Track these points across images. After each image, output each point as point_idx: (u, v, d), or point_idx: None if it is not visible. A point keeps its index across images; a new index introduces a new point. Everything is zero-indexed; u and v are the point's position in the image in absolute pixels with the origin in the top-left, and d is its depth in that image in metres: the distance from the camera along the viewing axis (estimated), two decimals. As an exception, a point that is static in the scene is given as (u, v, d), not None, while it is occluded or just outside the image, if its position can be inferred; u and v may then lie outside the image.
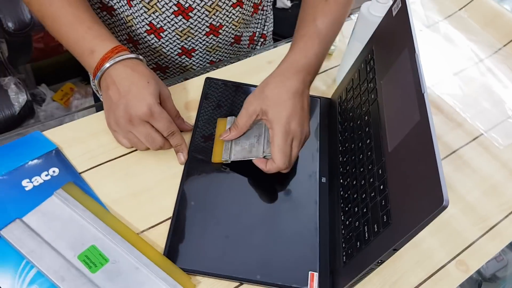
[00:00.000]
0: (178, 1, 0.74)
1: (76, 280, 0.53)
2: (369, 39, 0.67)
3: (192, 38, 0.80)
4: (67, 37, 0.66)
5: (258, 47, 0.94)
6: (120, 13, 0.78)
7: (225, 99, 0.75)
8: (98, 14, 0.81)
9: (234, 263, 0.58)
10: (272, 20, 0.96)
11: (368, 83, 0.64)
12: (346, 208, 0.60)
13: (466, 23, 1.00)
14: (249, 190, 0.66)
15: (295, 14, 0.73)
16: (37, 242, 0.56)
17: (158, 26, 0.77)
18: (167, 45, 0.81)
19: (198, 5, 0.75)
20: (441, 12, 1.02)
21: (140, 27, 0.78)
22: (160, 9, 0.75)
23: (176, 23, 0.77)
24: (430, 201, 0.42)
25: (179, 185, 0.64)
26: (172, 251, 0.58)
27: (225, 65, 0.81)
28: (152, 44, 0.80)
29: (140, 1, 0.74)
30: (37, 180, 0.62)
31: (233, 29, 0.82)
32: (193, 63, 0.85)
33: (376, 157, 0.56)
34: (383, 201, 0.51)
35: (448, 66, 0.90)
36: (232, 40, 0.85)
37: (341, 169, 0.66)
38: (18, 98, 1.18)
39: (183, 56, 0.83)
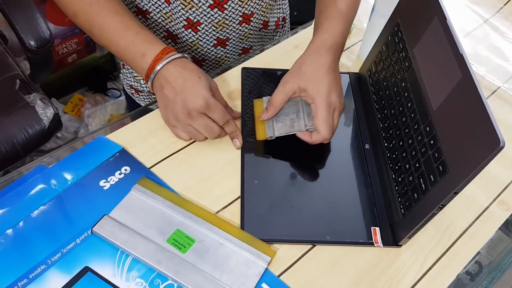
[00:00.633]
0: None
1: (171, 261, 0.59)
2: (392, 13, 0.73)
3: (227, 29, 0.85)
4: (117, 44, 0.71)
5: (280, 31, 0.99)
6: (156, 13, 0.83)
7: (263, 85, 0.81)
8: None
9: (304, 228, 0.65)
10: (288, 4, 1.02)
11: (399, 53, 0.70)
12: (396, 167, 0.67)
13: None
14: (303, 164, 0.72)
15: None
16: (128, 232, 0.61)
17: (195, 20, 0.82)
18: (203, 38, 0.86)
19: None
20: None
21: (178, 23, 0.83)
22: (196, 4, 0.80)
23: (212, 15, 0.82)
24: (486, 143, 0.49)
25: (240, 168, 0.70)
26: (248, 225, 0.64)
27: (256, 54, 0.87)
28: (190, 38, 0.86)
29: None
30: (113, 179, 0.68)
31: (262, 15, 0.88)
32: (227, 52, 0.90)
33: (421, 117, 0.62)
34: (436, 154, 0.58)
35: (457, 30, 0.96)
36: (261, 26, 0.91)
37: (383, 134, 0.72)
38: (46, 113, 1.23)
39: (218, 47, 0.88)
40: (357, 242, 0.64)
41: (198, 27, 0.84)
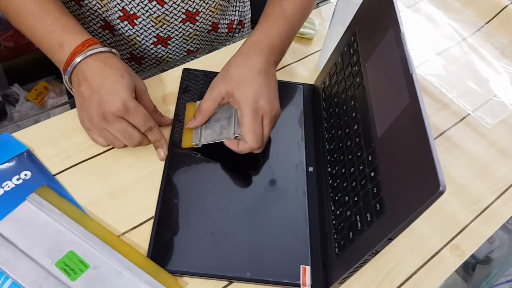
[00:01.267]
0: None
1: (55, 289, 0.50)
2: (351, 21, 0.64)
3: (168, 26, 0.77)
4: (34, 30, 0.62)
5: (236, 35, 0.90)
6: (91, 0, 0.74)
7: (203, 88, 0.71)
8: (66, 4, 0.77)
9: (222, 261, 0.56)
10: (249, 7, 0.93)
11: (353, 66, 0.61)
12: (336, 198, 0.58)
13: (447, 2, 0.98)
14: (234, 184, 0.63)
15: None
16: (11, 251, 0.52)
17: (132, 12, 0.73)
18: (141, 33, 0.77)
19: None
20: (421, -8, 1.00)
21: (113, 13, 0.74)
22: None
23: (150, 9, 0.73)
24: (425, 186, 0.40)
25: (160, 182, 0.61)
26: (156, 252, 0.55)
27: (203, 55, 0.78)
28: (126, 31, 0.77)
29: None
30: (8, 185, 0.58)
31: (210, 15, 0.79)
32: (169, 52, 0.81)
33: (365, 143, 0.54)
34: (374, 189, 0.49)
35: (431, 46, 0.88)
36: (210, 28, 0.82)
37: (328, 157, 0.63)
38: (-12, 100, 1.13)
39: (159, 45, 0.79)
40: (282, 283, 0.55)
41: (135, 20, 0.75)
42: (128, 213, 0.58)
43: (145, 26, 0.76)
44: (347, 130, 0.59)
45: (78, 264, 0.52)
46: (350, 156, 0.57)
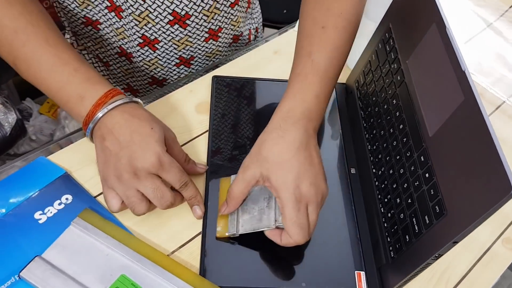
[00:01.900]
0: (173, 10, 0.69)
1: (111, 315, 0.49)
2: (384, 16, 0.63)
3: (191, 46, 0.74)
4: (49, 82, 0.56)
5: (252, 42, 0.89)
6: (108, 26, 0.72)
7: (236, 97, 0.70)
8: (82, 30, 0.75)
9: (276, 274, 0.55)
10: (260, 10, 0.91)
11: (391, 64, 0.60)
12: (385, 200, 0.57)
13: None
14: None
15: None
16: (62, 279, 0.51)
17: (152, 38, 0.71)
18: (163, 56, 0.75)
19: (196, 11, 0.70)
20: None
21: (132, 41, 0.72)
22: (153, 20, 0.69)
23: (172, 32, 0.71)
24: (494, 188, 0.39)
25: (204, 195, 0.60)
26: (208, 269, 0.54)
27: (230, 60, 0.76)
28: (147, 56, 0.74)
29: (130, 14, 0.68)
30: (51, 211, 0.57)
31: (231, 29, 0.77)
32: (192, 71, 0.79)
33: (414, 143, 0.52)
34: (431, 190, 0.48)
35: (457, 35, 0.86)
36: (231, 41, 0.80)
37: (371, 158, 0.62)
38: (8, 118, 1.12)
39: (182, 66, 0.77)
40: (338, 290, 0.54)
41: (156, 45, 0.72)
42: (175, 231, 0.57)
43: (167, 49, 0.74)
44: (391, 130, 0.58)
45: None
46: (398, 157, 0.55)
